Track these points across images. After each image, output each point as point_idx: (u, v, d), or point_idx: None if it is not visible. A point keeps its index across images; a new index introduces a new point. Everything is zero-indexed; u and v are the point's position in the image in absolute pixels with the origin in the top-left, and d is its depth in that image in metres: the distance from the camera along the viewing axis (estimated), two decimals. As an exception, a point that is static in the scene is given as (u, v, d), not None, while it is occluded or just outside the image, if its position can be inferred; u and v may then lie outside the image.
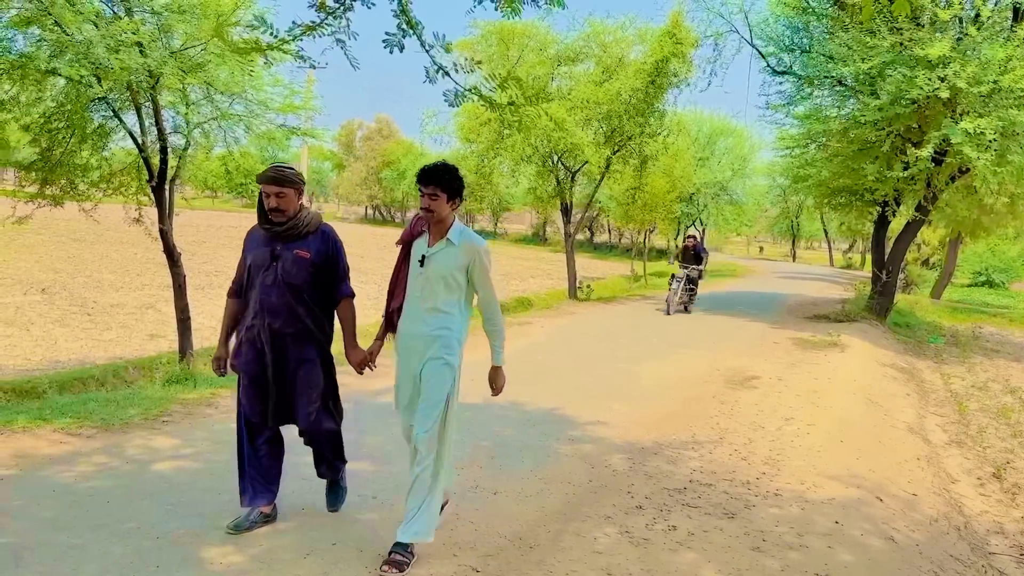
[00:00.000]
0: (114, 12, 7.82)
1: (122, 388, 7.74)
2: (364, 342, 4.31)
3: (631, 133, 17.55)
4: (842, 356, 11.69)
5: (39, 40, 7.48)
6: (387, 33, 3.12)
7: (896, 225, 19.36)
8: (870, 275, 19.04)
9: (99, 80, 7.36)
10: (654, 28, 17.69)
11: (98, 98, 8.03)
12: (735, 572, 4.09)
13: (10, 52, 7.56)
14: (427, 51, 3.31)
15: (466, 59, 3.36)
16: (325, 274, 4.19)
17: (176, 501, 4.54)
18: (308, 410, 4.17)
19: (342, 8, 3.26)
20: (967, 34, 13.37)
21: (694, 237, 17.66)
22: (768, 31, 18.58)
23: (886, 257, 17.85)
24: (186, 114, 8.48)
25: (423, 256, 3.96)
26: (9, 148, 9.23)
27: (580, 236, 31.03)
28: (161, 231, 8.90)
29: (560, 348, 11.26)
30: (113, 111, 8.42)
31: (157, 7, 7.90)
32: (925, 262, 38.63)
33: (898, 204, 17.02)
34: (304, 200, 4.20)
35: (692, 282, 16.87)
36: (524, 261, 35.70)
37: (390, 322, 4.17)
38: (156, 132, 8.53)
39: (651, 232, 29.88)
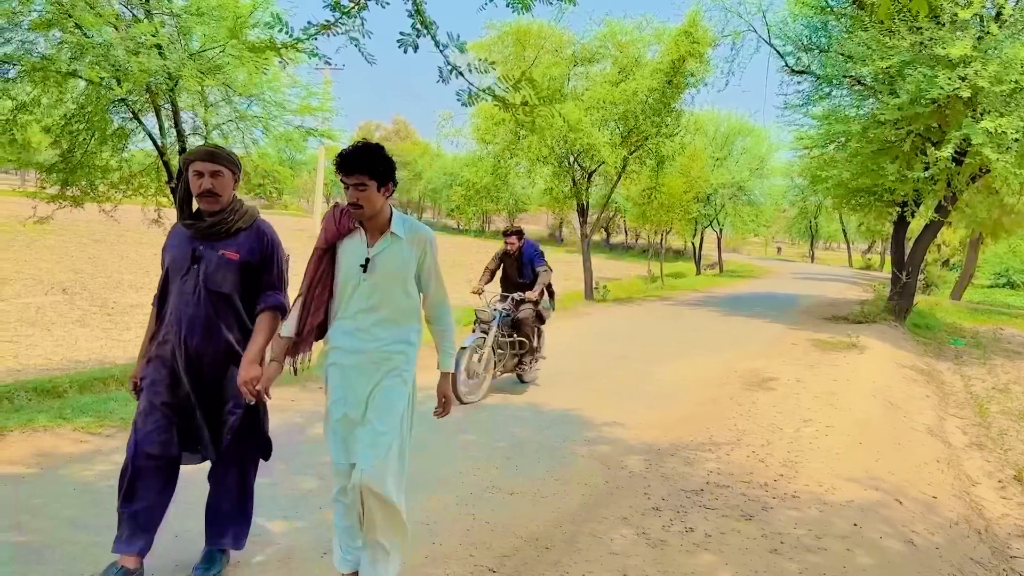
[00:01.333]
0: (133, 15, 7.89)
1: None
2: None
3: (648, 133, 17.52)
4: (861, 357, 11.60)
5: (60, 43, 7.56)
6: (401, 33, 3.13)
7: (916, 225, 19.21)
8: (889, 276, 18.88)
9: (119, 82, 7.42)
10: (671, 28, 17.68)
11: (118, 100, 8.10)
12: (752, 574, 4.07)
13: (31, 55, 7.65)
14: (441, 51, 3.31)
15: (480, 60, 3.34)
16: (255, 279, 3.51)
17: (195, 499, 4.57)
18: (224, 440, 3.49)
19: (356, 7, 3.27)
20: (989, 32, 13.23)
21: (518, 233, 8.60)
22: (786, 30, 18.50)
23: (905, 258, 17.70)
24: (204, 116, 8.54)
25: (366, 259, 3.28)
26: (31, 149, 9.35)
27: (596, 237, 30.96)
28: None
29: (576, 349, 11.25)
30: (133, 113, 8.50)
31: (176, 9, 7.97)
32: (945, 263, 38.29)
33: (918, 205, 16.87)
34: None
35: (519, 328, 8.12)
36: (540, 262, 35.65)
37: (301, 344, 3.41)
38: (175, 134, 8.60)
39: (668, 233, 29.76)
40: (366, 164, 3.16)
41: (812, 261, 63.42)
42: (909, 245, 18.51)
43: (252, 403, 3.34)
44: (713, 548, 4.38)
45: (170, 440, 3.40)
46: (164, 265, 3.53)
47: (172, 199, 9.11)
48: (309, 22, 3.41)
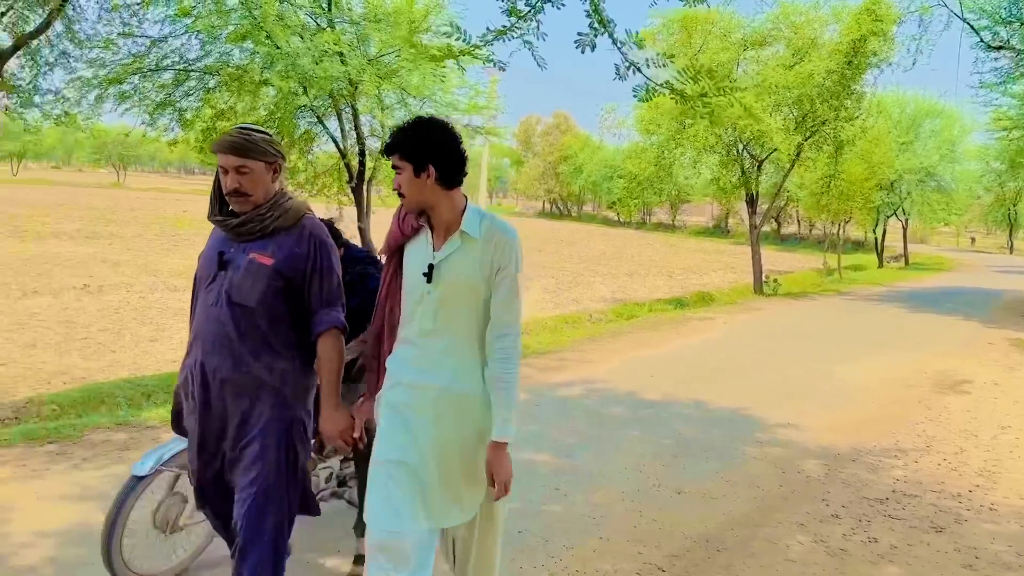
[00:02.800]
0: (317, 24, 8.42)
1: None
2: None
3: (825, 118, 16.64)
4: (1072, 360, 10.46)
5: (252, 53, 8.20)
6: (579, 33, 3.14)
7: None
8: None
9: (305, 89, 7.94)
10: (850, 6, 16.64)
11: (304, 106, 8.68)
12: (946, 593, 3.78)
13: (228, 65, 8.34)
14: (619, 48, 3.29)
15: (658, 54, 3.29)
16: (297, 293, 2.76)
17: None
18: (240, 501, 2.72)
19: (532, 12, 3.32)
20: None
21: (333, 222, 3.59)
22: (981, 3, 16.88)
23: None
24: (381, 118, 8.98)
25: (430, 265, 2.53)
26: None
27: (766, 228, 29.71)
28: (360, 229, 9.49)
29: (744, 345, 10.87)
30: (317, 118, 9.07)
31: (355, 18, 8.42)
32: None
33: None
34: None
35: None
36: (704, 254, 34.78)
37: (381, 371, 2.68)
38: (355, 136, 9.10)
39: (846, 223, 28.11)
40: (401, 142, 2.51)
41: (1011, 252, 57.77)
42: None
43: (350, 455, 2.76)
44: (899, 560, 4.11)
45: (202, 478, 2.85)
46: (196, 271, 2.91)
47: (351, 198, 9.67)
48: (488, 28, 3.50)
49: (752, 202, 18.98)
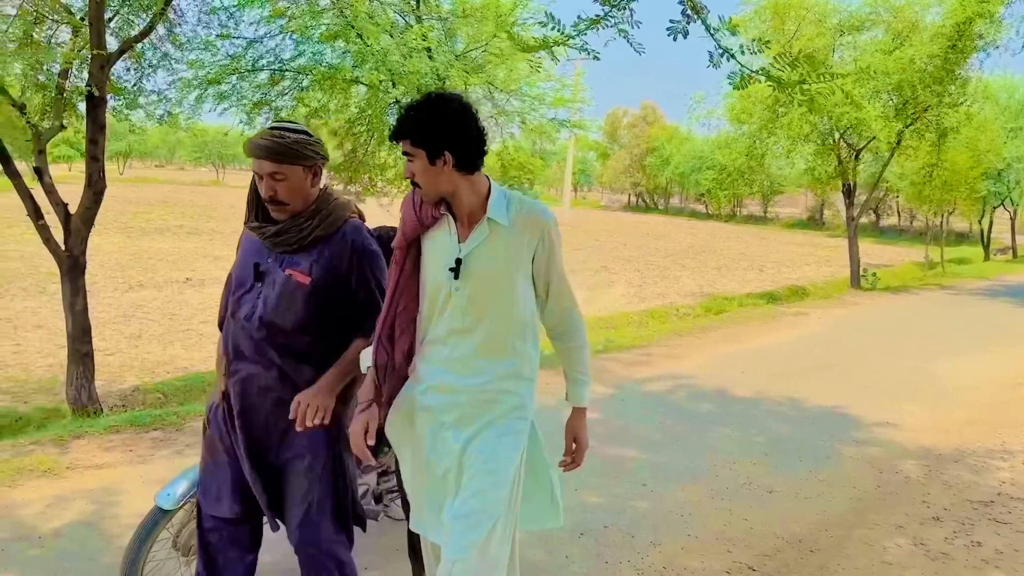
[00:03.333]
0: (406, 21, 8.55)
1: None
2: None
3: (927, 104, 15.88)
4: None
5: (344, 52, 8.39)
6: (671, 21, 3.09)
7: None
8: None
9: (394, 85, 8.08)
10: (955, -14, 15.81)
11: (393, 102, 8.83)
12: (1060, 605, 3.57)
13: (321, 64, 8.57)
14: (712, 35, 3.22)
15: (752, 40, 3.20)
16: (337, 307, 2.55)
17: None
18: (297, 520, 2.56)
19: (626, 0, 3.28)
20: None
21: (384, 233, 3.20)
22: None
23: None
24: (468, 113, 9.06)
25: (457, 260, 2.29)
26: (321, 151, 10.52)
27: (864, 219, 28.52)
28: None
29: (841, 341, 10.51)
30: (405, 113, 9.23)
31: (443, 13, 8.52)
32: None
33: None
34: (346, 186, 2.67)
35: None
36: (797, 247, 33.76)
37: (395, 376, 2.43)
38: (442, 131, 9.21)
39: (950, 214, 26.78)
40: (408, 126, 2.23)
41: None
42: None
43: (299, 431, 2.45)
44: (1005, 567, 3.91)
45: (220, 499, 2.60)
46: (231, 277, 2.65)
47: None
48: (579, 17, 3.48)
49: (849, 192, 18.32)
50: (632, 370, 8.02)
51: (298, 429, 2.42)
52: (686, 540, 4.05)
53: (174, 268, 15.49)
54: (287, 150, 2.38)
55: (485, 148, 2.28)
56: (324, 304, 2.50)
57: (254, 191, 2.52)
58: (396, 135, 2.25)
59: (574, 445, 2.50)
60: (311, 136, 2.47)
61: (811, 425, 6.32)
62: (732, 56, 3.27)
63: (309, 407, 2.40)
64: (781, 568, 3.80)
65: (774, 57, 3.57)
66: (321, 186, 2.57)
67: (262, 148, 2.37)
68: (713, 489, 4.81)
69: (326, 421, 2.44)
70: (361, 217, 2.70)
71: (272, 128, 2.42)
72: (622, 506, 4.47)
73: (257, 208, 2.55)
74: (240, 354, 2.52)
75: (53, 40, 6.59)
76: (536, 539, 3.96)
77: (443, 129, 2.20)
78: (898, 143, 16.76)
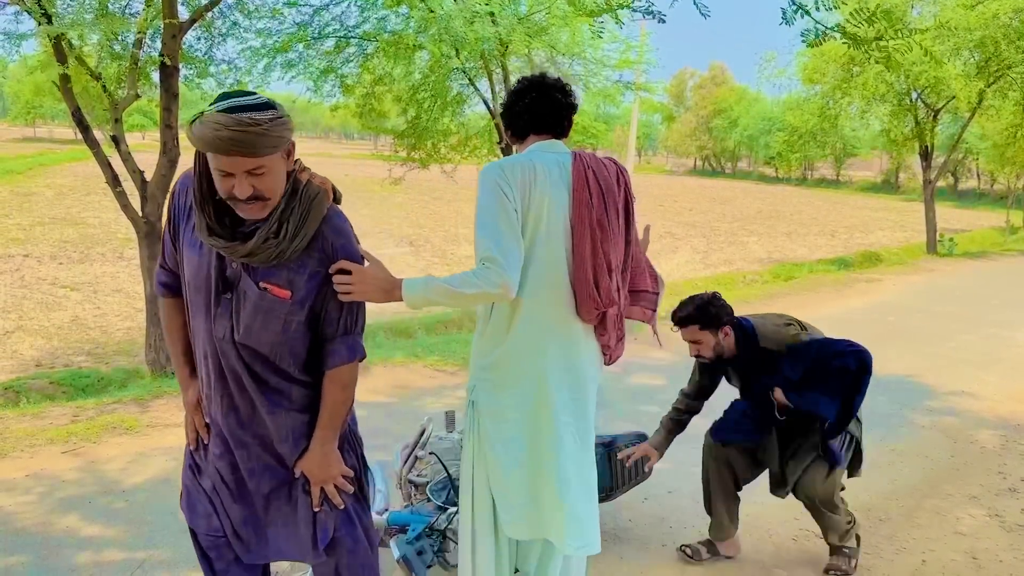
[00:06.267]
0: (469, -15, 8.49)
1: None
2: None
3: (1012, 61, 15.08)
4: None
5: (407, 18, 8.39)
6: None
7: None
8: None
9: (457, 52, 8.05)
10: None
11: (456, 68, 8.81)
12: None
13: (385, 31, 8.58)
14: (786, -11, 3.11)
15: (827, -6, 3.07)
16: (318, 324, 2.07)
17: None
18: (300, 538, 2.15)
19: (693, -41, 3.19)
20: None
21: (701, 320, 3.27)
22: None
23: None
24: (530, 77, 8.98)
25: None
26: (384, 118, 10.57)
27: (941, 183, 27.33)
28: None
29: (915, 309, 10.18)
30: (468, 80, 9.20)
31: (506, -25, 8.41)
32: None
33: None
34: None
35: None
36: (871, 211, 32.68)
37: None
38: (505, 96, 9.17)
39: (1034, 176, 25.57)
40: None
41: None
42: None
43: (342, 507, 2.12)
44: (1089, 543, 3.77)
45: (215, 523, 2.14)
46: (178, 255, 2.06)
47: (503, 158, 9.78)
48: (644, -22, 3.41)
49: (926, 155, 17.61)
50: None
51: (318, 510, 2.11)
52: (751, 506, 4.00)
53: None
54: (266, 138, 1.78)
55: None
56: (307, 317, 2.01)
57: (206, 189, 1.89)
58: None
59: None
60: (277, 107, 1.83)
61: (884, 394, 6.16)
62: (806, 12, 3.15)
63: (324, 490, 2.09)
64: (849, 536, 3.74)
65: (850, 13, 3.43)
66: (292, 167, 1.97)
67: (234, 141, 1.73)
68: (779, 456, 4.74)
69: (350, 490, 2.14)
70: (335, 194, 2.11)
71: (231, 110, 1.75)
72: (686, 472, 4.45)
73: (211, 207, 1.90)
74: (216, 383, 2.02)
75: (127, 11, 6.76)
76: (601, 505, 3.99)
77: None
78: (979, 103, 16.01)
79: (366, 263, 2.06)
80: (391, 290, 2.15)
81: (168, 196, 2.05)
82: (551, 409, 2.39)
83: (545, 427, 2.39)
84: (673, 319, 3.25)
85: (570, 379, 2.42)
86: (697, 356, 3.31)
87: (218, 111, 1.75)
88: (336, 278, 2.00)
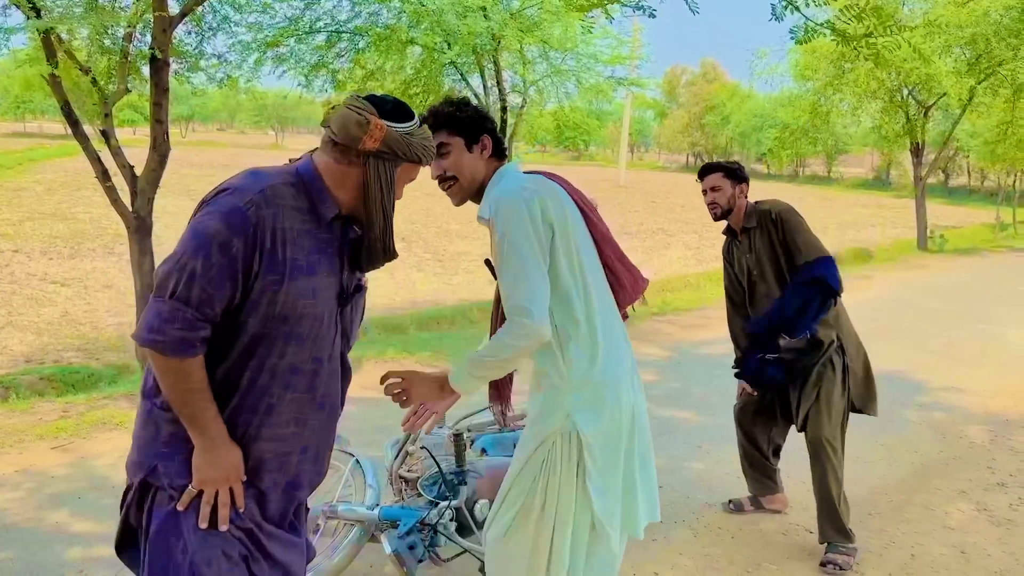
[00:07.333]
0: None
1: (469, 328, 8.60)
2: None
3: (1002, 58, 15.15)
4: None
5: (399, 12, 8.37)
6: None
7: None
8: None
9: (449, 46, 8.05)
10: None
11: (448, 63, 8.81)
12: None
13: (377, 25, 8.57)
14: (775, -15, 3.11)
15: (817, -8, 3.08)
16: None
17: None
18: None
19: (683, -47, 3.19)
20: None
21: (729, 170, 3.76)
22: None
23: None
24: (523, 73, 8.98)
25: (486, 260, 2.38)
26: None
27: (932, 179, 27.40)
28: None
29: (906, 305, 10.23)
30: (461, 74, 9.19)
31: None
32: None
33: None
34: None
35: None
36: (862, 208, 32.80)
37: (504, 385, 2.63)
38: (497, 91, 9.15)
39: (1023, 173, 25.68)
40: (439, 118, 2.18)
41: None
42: None
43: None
44: (1076, 537, 3.80)
45: None
46: (265, 296, 1.70)
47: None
48: (633, -27, 3.40)
49: (917, 152, 17.69)
50: (689, 332, 7.95)
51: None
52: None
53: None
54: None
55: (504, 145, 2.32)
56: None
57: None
58: (430, 129, 1.99)
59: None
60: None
61: (873, 389, 6.19)
62: (796, 8, 3.15)
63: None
64: (839, 531, 3.76)
65: (840, 9, 3.44)
66: None
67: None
68: (770, 451, 4.76)
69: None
70: None
71: (421, 120, 1.87)
72: (678, 466, 4.48)
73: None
74: (310, 422, 1.84)
75: (117, 4, 6.72)
76: (590, 497, 4.00)
77: (476, 114, 2.22)
78: (970, 100, 16.09)
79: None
80: (443, 386, 2.17)
81: (231, 232, 1.63)
82: (639, 407, 2.29)
83: (636, 425, 2.27)
84: (699, 172, 3.70)
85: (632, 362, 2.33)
86: (711, 205, 3.63)
87: (417, 126, 1.80)
88: (388, 389, 2.12)
